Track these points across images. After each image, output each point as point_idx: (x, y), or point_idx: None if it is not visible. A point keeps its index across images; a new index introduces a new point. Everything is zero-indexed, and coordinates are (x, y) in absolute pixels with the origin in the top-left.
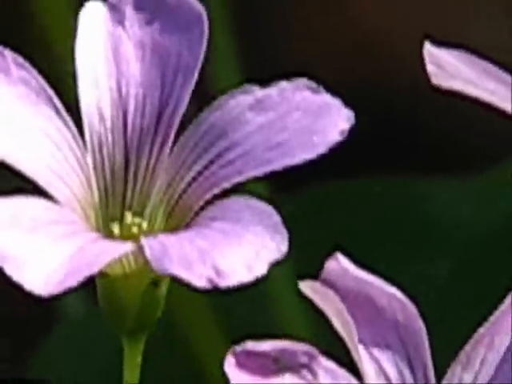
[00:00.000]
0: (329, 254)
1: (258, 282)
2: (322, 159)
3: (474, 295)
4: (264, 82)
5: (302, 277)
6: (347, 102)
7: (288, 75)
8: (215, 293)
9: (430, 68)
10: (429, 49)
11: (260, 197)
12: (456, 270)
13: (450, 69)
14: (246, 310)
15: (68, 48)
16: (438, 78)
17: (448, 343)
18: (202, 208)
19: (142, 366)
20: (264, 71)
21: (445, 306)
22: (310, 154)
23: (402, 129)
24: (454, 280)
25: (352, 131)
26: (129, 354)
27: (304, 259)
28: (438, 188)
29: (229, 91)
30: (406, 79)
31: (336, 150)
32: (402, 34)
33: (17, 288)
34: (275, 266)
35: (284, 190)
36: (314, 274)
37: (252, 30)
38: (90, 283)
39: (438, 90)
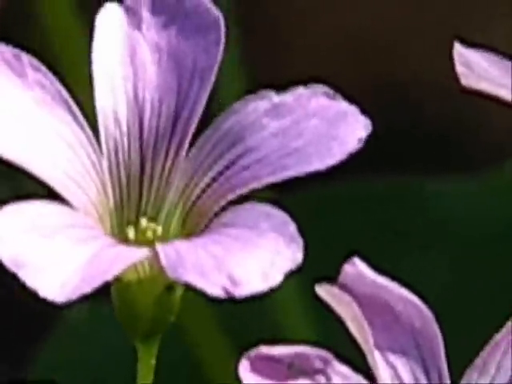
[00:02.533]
0: (330, 254)
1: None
2: None
3: (477, 293)
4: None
5: (318, 280)
6: (363, 109)
7: (290, 84)
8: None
9: (459, 69)
10: (458, 49)
11: (267, 199)
12: (459, 269)
13: (479, 69)
14: (249, 316)
15: (70, 50)
16: (468, 79)
17: (450, 341)
18: (217, 214)
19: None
20: (267, 79)
21: (447, 305)
22: (327, 162)
23: (405, 129)
24: (456, 279)
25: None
26: (143, 358)
27: (307, 260)
28: (441, 187)
29: (232, 98)
30: (409, 78)
31: None
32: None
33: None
34: (289, 275)
35: (286, 191)
36: (317, 275)
37: (256, 37)
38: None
39: (466, 91)
